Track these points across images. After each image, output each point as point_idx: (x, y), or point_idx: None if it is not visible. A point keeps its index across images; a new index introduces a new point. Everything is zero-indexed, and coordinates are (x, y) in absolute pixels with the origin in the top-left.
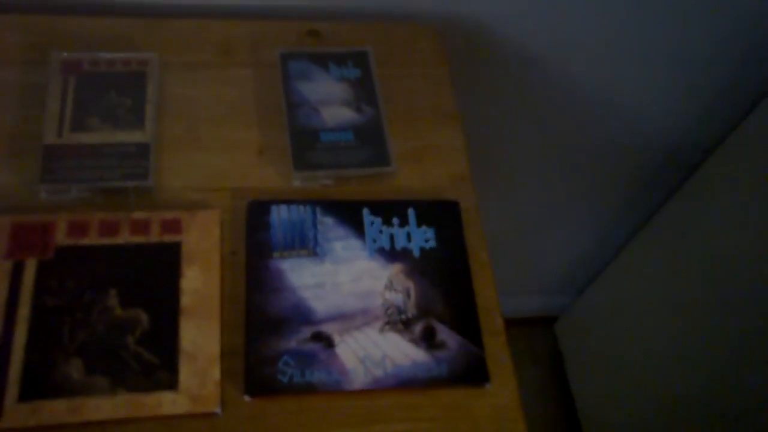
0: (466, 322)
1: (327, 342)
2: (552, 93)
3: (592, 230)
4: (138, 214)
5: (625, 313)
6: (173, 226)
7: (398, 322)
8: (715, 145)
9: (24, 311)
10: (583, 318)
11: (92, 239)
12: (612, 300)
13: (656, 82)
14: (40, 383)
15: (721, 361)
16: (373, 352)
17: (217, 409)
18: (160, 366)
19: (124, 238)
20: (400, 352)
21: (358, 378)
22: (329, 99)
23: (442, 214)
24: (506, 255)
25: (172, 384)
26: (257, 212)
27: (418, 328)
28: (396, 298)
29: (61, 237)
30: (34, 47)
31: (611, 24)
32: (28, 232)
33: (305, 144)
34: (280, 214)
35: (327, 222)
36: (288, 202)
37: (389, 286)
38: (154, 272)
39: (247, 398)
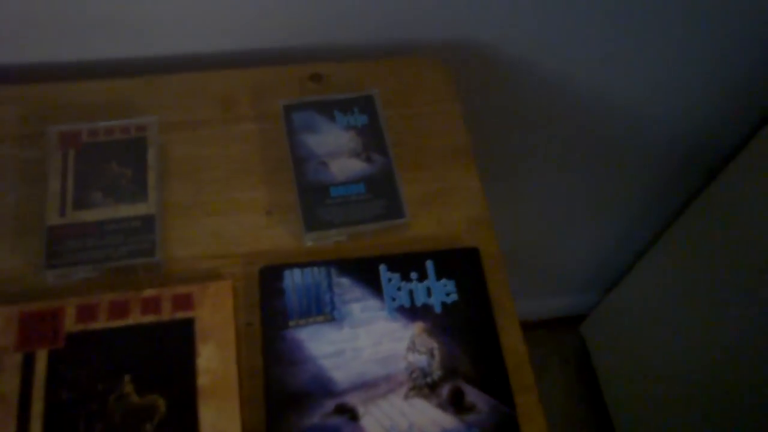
0: (495, 380)
1: (351, 414)
2: (567, 103)
3: (618, 229)
4: (148, 292)
5: (653, 311)
6: (185, 302)
7: (424, 386)
8: (741, 144)
9: (38, 407)
10: (610, 317)
11: (102, 322)
12: (639, 298)
13: (675, 82)
14: None
15: (751, 357)
16: (400, 421)
17: None
18: None
19: (135, 318)
20: (428, 419)
21: None
22: (337, 151)
23: (462, 264)
24: (531, 256)
25: None
26: (270, 278)
27: (444, 391)
28: (420, 359)
29: (70, 323)
30: (30, 119)
31: (621, 28)
32: (37, 321)
33: (315, 201)
34: (293, 279)
35: (343, 283)
36: (301, 265)
37: (412, 347)
38: (169, 353)
39: None
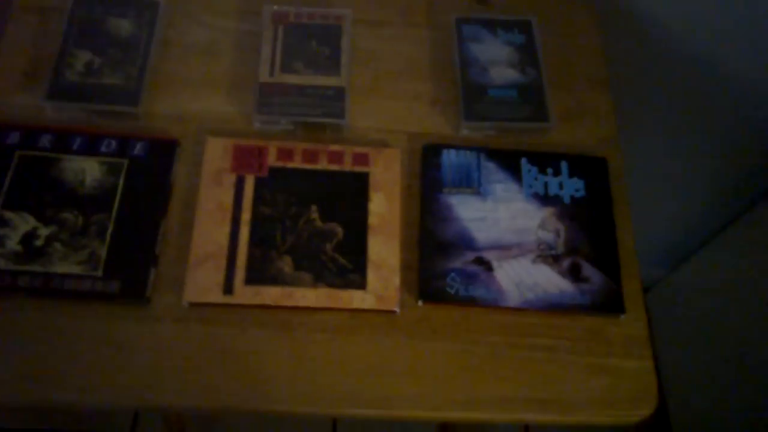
0: (608, 262)
1: (487, 266)
2: (690, 69)
3: (698, 206)
4: (334, 147)
5: (720, 291)
6: (362, 159)
7: (549, 256)
8: None
9: (246, 216)
10: (675, 291)
11: (297, 164)
12: (707, 277)
13: None
14: (260, 272)
15: None
16: (526, 278)
17: (396, 309)
18: (353, 270)
19: (323, 165)
20: (549, 281)
21: (513, 298)
22: (497, 60)
23: (591, 169)
24: None
25: (361, 284)
26: (431, 154)
27: (565, 263)
28: (547, 236)
29: (272, 159)
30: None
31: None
32: (247, 153)
33: (475, 97)
34: (450, 157)
35: (489, 166)
36: (457, 147)
37: (542, 225)
38: (347, 195)
39: (420, 303)
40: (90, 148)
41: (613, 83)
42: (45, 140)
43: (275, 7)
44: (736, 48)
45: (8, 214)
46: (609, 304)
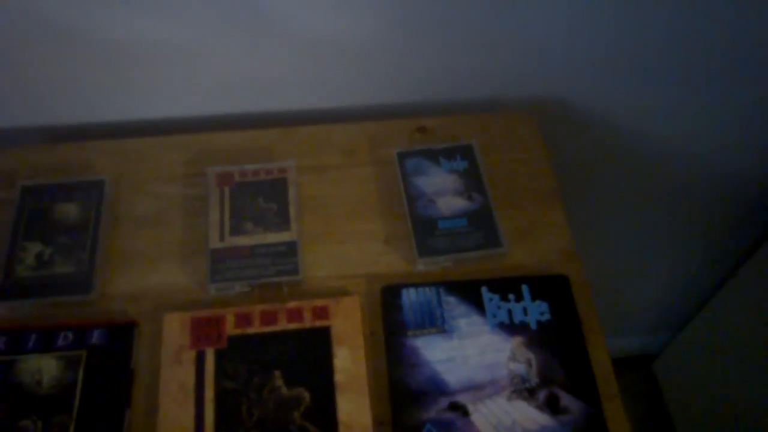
0: (585, 387)
1: (462, 411)
2: (643, 152)
3: (688, 269)
4: (292, 304)
5: (726, 349)
6: (322, 313)
7: (523, 390)
8: None
9: (209, 393)
10: (682, 355)
11: (256, 328)
12: (712, 337)
13: (743, 132)
14: None
15: None
16: (504, 419)
17: None
18: None
19: (282, 325)
20: (528, 418)
21: None
22: (443, 190)
23: (553, 288)
24: (602, 297)
25: None
26: (390, 295)
27: (542, 395)
28: (519, 368)
29: (230, 327)
30: (191, 163)
31: (684, 86)
32: (204, 325)
33: (426, 232)
34: (410, 296)
35: (451, 301)
36: (416, 285)
37: (512, 357)
38: (311, 354)
39: None
40: (46, 345)
41: (578, 179)
42: None
43: (218, 169)
44: (680, 119)
45: None
46: None
